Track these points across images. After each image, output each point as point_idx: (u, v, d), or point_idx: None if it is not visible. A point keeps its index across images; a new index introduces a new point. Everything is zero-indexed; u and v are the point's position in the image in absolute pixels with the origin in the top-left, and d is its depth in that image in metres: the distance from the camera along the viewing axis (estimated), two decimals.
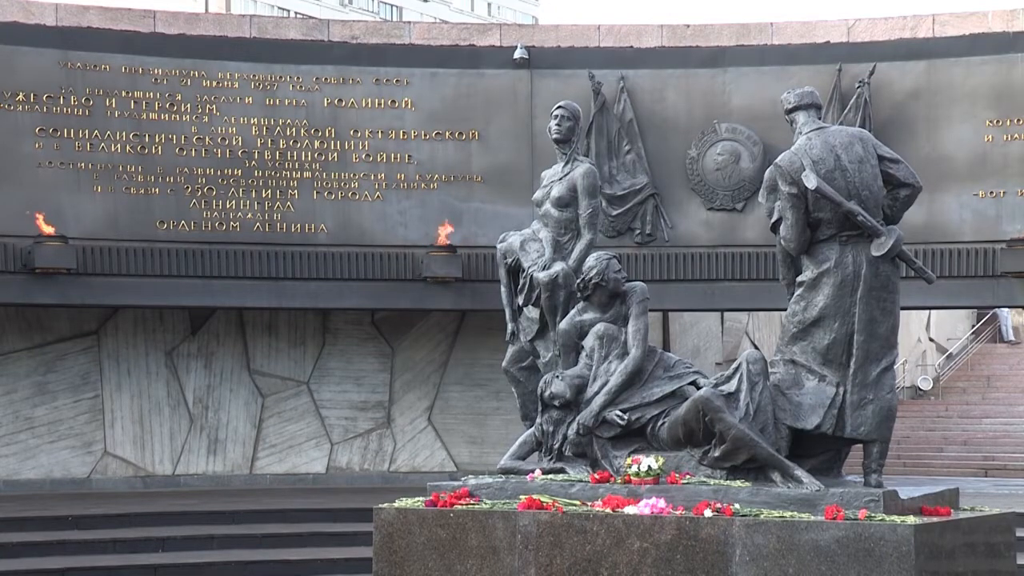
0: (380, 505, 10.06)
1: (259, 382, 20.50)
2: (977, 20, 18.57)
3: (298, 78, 19.01)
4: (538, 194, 11.57)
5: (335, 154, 19.07)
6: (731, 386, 9.40)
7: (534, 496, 9.56)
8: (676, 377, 10.17)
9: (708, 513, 8.96)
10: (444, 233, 18.83)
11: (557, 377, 10.35)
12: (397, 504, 10.00)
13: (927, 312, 32.99)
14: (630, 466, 9.58)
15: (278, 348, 20.60)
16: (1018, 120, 18.44)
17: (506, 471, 10.46)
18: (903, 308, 9.79)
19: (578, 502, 9.51)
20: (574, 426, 10.18)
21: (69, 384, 19.59)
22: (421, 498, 10.02)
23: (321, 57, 19.04)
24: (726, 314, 25.04)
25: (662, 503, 9.18)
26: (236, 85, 18.85)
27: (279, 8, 76.82)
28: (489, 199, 19.15)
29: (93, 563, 15.00)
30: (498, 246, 11.65)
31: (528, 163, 18.67)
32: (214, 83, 18.79)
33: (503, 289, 11.56)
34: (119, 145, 18.42)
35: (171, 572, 15.09)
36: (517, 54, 19.04)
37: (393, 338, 20.96)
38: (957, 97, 18.56)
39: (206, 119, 18.74)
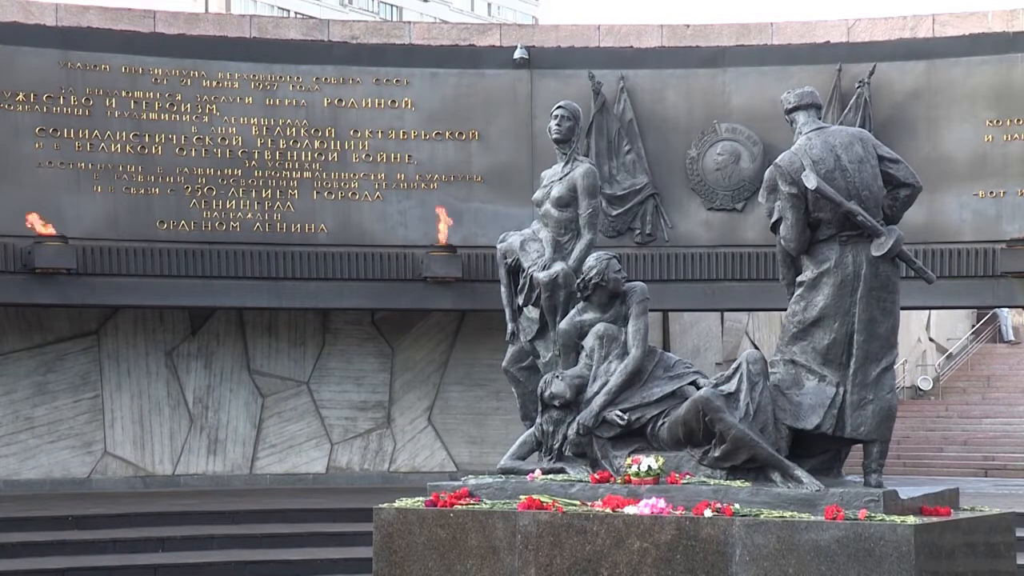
0: (380, 505, 10.06)
1: (259, 382, 20.50)
2: (977, 20, 18.58)
3: (298, 78, 19.02)
4: (538, 194, 11.55)
5: (335, 154, 19.07)
6: (731, 386, 9.40)
7: (534, 496, 9.56)
8: (676, 377, 10.17)
9: (708, 513, 8.95)
10: (442, 218, 18.77)
11: (557, 377, 10.35)
12: (397, 504, 10.00)
13: (927, 312, 33.01)
14: (630, 466, 9.58)
15: (278, 348, 20.61)
16: (1018, 120, 18.45)
17: (506, 471, 10.47)
18: (903, 308, 9.79)
19: (578, 502, 9.51)
20: (574, 426, 10.17)
21: (69, 384, 19.60)
22: (421, 498, 10.01)
23: (321, 57, 19.04)
24: (726, 314, 25.04)
25: (662, 503, 9.18)
26: (236, 85, 18.85)
27: (279, 8, 76.84)
28: (489, 199, 19.15)
29: (93, 563, 15.00)
30: (498, 246, 11.64)
31: (528, 163, 18.67)
32: (214, 83, 18.79)
33: (503, 289, 11.55)
34: (119, 145, 18.42)
35: (171, 572, 15.09)
36: (517, 54, 19.05)
37: (393, 338, 20.96)
38: (957, 97, 18.56)
39: (206, 119, 18.74)
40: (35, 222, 17.66)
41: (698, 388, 9.82)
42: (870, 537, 8.58)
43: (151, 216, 18.44)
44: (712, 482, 9.40)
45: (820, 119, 9.76)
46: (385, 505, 10.03)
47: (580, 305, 10.68)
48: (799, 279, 9.63)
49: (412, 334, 20.98)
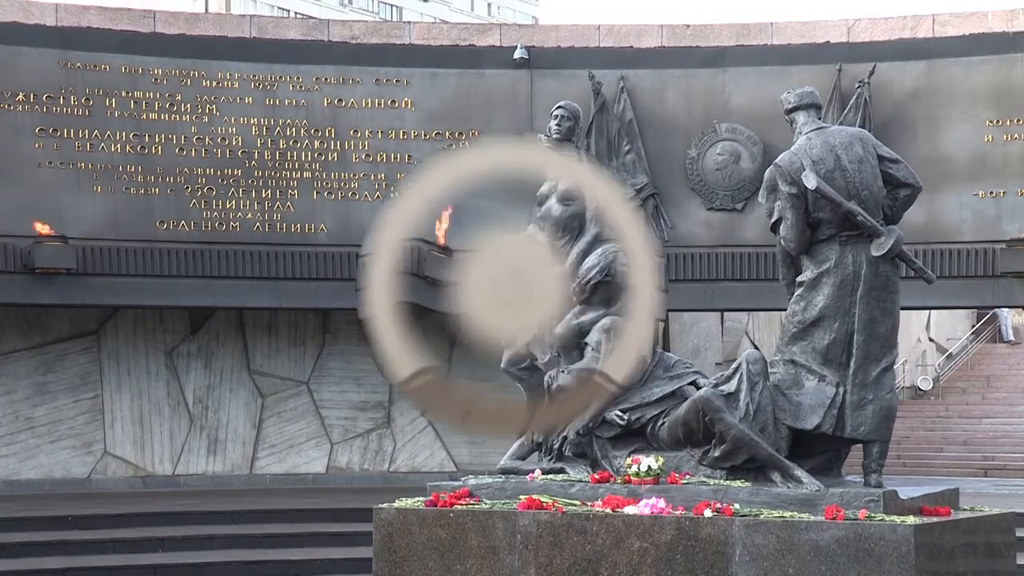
0: (380, 505, 10.05)
1: (259, 382, 20.50)
2: (977, 20, 18.58)
3: (298, 78, 19.02)
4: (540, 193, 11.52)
5: (335, 154, 19.07)
6: (731, 386, 9.39)
7: (534, 496, 9.55)
8: (676, 377, 10.16)
9: (708, 513, 8.95)
10: (438, 226, 18.75)
11: (563, 372, 10.31)
12: (397, 504, 9.99)
13: (927, 312, 32.98)
14: (630, 466, 9.57)
15: (278, 348, 20.60)
16: (1018, 120, 18.46)
17: (506, 471, 10.46)
18: (903, 308, 9.78)
19: (578, 502, 9.50)
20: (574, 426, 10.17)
21: (69, 384, 19.60)
22: (421, 498, 10.00)
23: (321, 57, 19.04)
24: (726, 314, 25.03)
25: (662, 503, 9.17)
26: (236, 85, 18.85)
27: (279, 8, 76.79)
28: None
29: (93, 563, 15.00)
30: None
31: None
32: (214, 83, 18.79)
33: None
34: (119, 145, 18.43)
35: (171, 572, 15.08)
36: (517, 54, 19.04)
37: None
38: (957, 97, 18.57)
39: (206, 119, 18.74)
40: (40, 228, 17.66)
41: (698, 388, 9.82)
42: (870, 537, 8.57)
43: (151, 216, 18.44)
44: (712, 482, 9.39)
45: (820, 119, 9.76)
46: (385, 505, 10.02)
47: (576, 308, 10.42)
48: (799, 279, 9.62)
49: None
